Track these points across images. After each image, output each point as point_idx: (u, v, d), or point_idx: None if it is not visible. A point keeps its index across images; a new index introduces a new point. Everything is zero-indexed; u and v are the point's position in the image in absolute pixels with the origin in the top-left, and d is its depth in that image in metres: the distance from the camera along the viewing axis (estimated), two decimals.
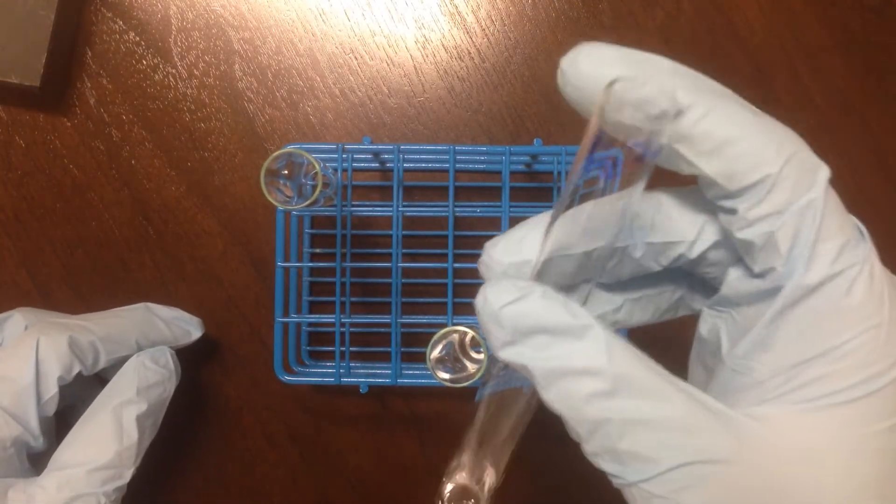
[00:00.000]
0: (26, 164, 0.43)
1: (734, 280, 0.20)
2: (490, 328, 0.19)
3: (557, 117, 0.42)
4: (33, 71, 0.40)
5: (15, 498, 0.32)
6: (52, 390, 0.34)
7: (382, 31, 0.42)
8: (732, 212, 0.19)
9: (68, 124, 0.43)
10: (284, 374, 0.39)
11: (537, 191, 0.43)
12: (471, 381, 0.32)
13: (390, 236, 0.42)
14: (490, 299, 0.18)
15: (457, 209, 0.37)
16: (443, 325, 0.33)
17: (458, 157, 0.41)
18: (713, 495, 0.17)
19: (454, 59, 0.42)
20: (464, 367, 0.33)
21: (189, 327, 0.40)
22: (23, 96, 0.42)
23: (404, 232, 0.42)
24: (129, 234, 0.43)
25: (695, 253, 0.21)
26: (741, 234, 0.19)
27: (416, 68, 0.42)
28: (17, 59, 0.40)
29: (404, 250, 0.42)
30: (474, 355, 0.34)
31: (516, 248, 0.21)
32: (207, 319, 0.42)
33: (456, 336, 0.33)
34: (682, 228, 0.21)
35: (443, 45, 0.42)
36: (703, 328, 0.22)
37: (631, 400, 0.17)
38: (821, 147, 0.19)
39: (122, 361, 0.37)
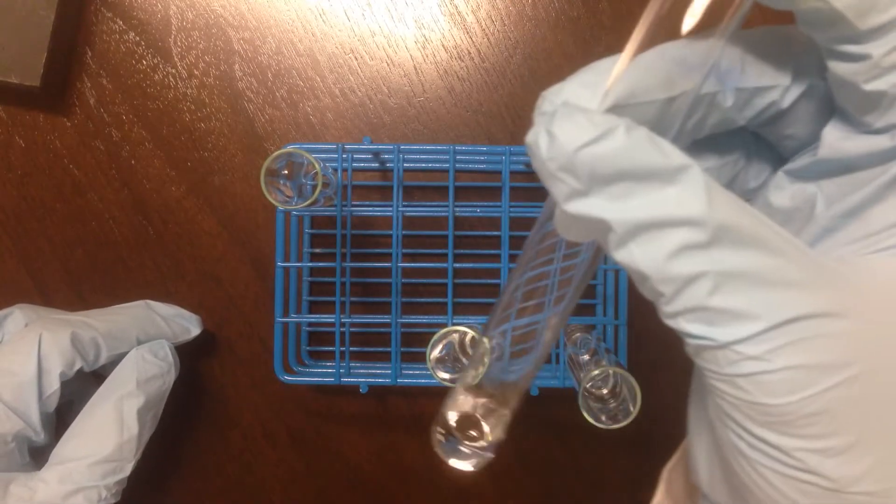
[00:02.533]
0: (26, 164, 0.43)
1: (836, 140, 0.18)
2: (556, 176, 0.15)
3: None
4: (33, 71, 0.40)
5: (17, 492, 0.32)
6: (53, 386, 0.34)
7: (382, 31, 0.42)
8: (860, 58, 0.16)
9: (68, 124, 0.43)
10: (284, 374, 0.39)
11: (537, 191, 0.43)
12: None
13: (390, 236, 0.42)
14: (560, 139, 0.15)
15: (457, 209, 0.37)
16: (443, 325, 0.33)
17: (458, 157, 0.41)
18: (818, 352, 0.15)
19: (454, 59, 0.42)
20: (464, 367, 0.33)
21: (188, 324, 0.40)
22: (23, 96, 0.42)
23: (404, 232, 0.42)
24: (129, 234, 0.43)
25: (787, 101, 0.18)
26: (870, 85, 0.16)
27: (416, 68, 0.42)
28: (17, 59, 0.40)
29: (404, 250, 0.42)
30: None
31: (588, 95, 0.17)
32: (207, 319, 0.42)
33: (456, 336, 0.33)
34: (775, 72, 0.18)
35: (443, 45, 0.42)
36: (778, 197, 0.20)
37: (733, 251, 0.14)
38: None
39: (121, 358, 0.37)
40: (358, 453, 0.43)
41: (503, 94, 0.42)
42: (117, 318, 0.38)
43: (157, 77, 0.43)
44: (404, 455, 0.43)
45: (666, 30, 0.16)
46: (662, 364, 0.42)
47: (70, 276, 0.43)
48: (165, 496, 0.44)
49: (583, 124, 0.15)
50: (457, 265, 0.37)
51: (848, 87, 0.17)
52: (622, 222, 0.15)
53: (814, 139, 0.19)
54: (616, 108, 0.16)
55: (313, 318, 0.41)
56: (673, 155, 0.14)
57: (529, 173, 0.43)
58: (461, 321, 0.37)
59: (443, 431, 0.18)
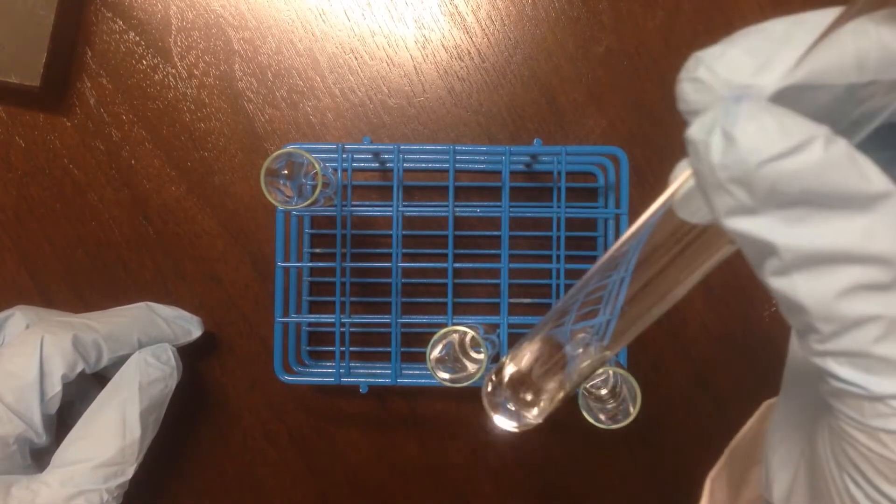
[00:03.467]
0: (26, 164, 0.43)
1: None
2: (724, 187, 0.13)
3: (557, 117, 0.42)
4: (33, 71, 0.40)
5: (18, 494, 0.32)
6: (55, 388, 0.34)
7: (382, 31, 0.42)
8: None
9: (68, 124, 0.43)
10: (284, 374, 0.39)
11: (537, 191, 0.43)
12: (471, 381, 0.32)
13: (390, 236, 0.42)
14: (743, 146, 0.12)
15: (457, 209, 0.37)
16: (443, 325, 0.33)
17: (458, 157, 0.41)
18: None
19: (454, 59, 0.42)
20: (464, 367, 0.33)
21: (189, 326, 0.41)
22: (23, 96, 0.42)
23: (404, 232, 0.42)
24: (129, 234, 0.43)
25: None
26: None
27: (416, 68, 0.42)
28: (17, 59, 0.40)
29: (404, 250, 0.42)
30: (474, 355, 0.34)
31: (755, 66, 0.13)
32: (207, 319, 0.42)
33: (456, 336, 0.33)
34: None
35: (443, 45, 0.42)
36: None
37: None
38: None
39: (123, 360, 0.37)
40: (358, 453, 0.44)
41: (503, 94, 0.42)
42: (118, 319, 0.38)
43: (157, 77, 0.43)
44: (404, 455, 0.43)
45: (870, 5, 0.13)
46: (662, 364, 0.42)
47: (70, 276, 0.43)
48: (165, 496, 0.44)
49: (772, 131, 0.12)
50: (457, 265, 0.37)
51: None
52: (793, 250, 0.12)
53: None
54: (794, 90, 0.13)
55: (313, 318, 0.41)
56: (874, 179, 0.12)
57: (529, 173, 0.43)
58: (461, 321, 0.37)
59: (495, 381, 0.17)
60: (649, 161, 0.42)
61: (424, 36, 0.42)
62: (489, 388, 0.17)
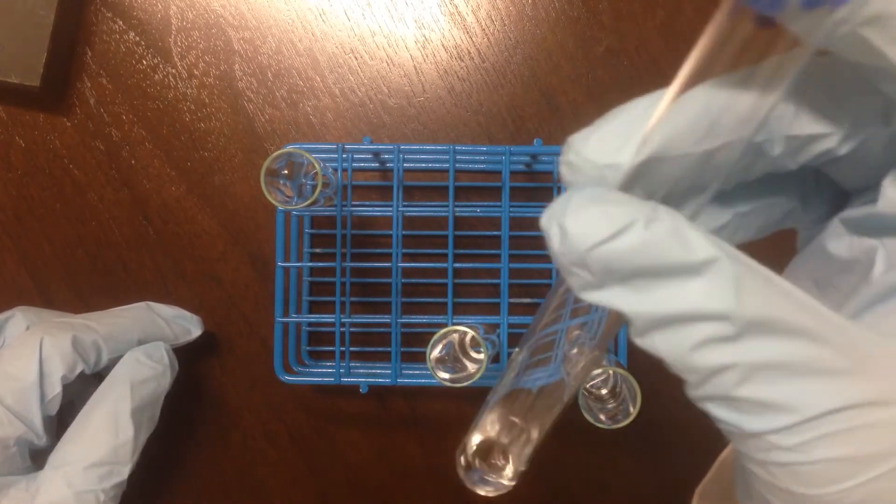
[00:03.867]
0: (26, 164, 0.43)
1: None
2: (569, 269, 0.14)
3: (557, 117, 0.42)
4: (33, 71, 0.40)
5: (16, 496, 0.32)
6: (55, 389, 0.34)
7: (382, 31, 0.42)
8: None
9: (68, 124, 0.43)
10: (284, 374, 0.39)
11: (537, 191, 0.43)
12: (471, 381, 0.32)
13: (390, 236, 0.42)
14: (572, 235, 0.14)
15: (457, 209, 0.37)
16: (443, 325, 0.33)
17: (458, 157, 0.41)
18: (861, 442, 0.14)
19: (454, 59, 0.42)
20: (464, 367, 0.33)
21: (189, 325, 0.41)
22: (23, 96, 0.42)
23: (404, 232, 0.42)
24: (129, 234, 0.43)
25: (845, 149, 0.16)
26: None
27: (416, 68, 0.42)
28: (17, 59, 0.40)
29: (404, 250, 0.42)
30: (474, 355, 0.34)
31: (617, 145, 0.15)
32: (207, 319, 0.42)
33: (456, 336, 0.33)
34: (832, 118, 0.16)
35: (443, 45, 0.42)
36: (835, 245, 0.18)
37: (764, 342, 0.13)
38: None
39: None
40: (358, 453, 0.43)
41: (503, 94, 0.42)
42: (118, 320, 0.38)
43: (157, 77, 0.43)
44: (404, 455, 0.43)
45: (715, 71, 0.14)
46: (662, 364, 0.42)
47: (70, 276, 0.43)
48: (165, 496, 0.44)
49: (596, 220, 0.14)
50: (457, 265, 0.37)
51: None
52: (642, 316, 0.14)
53: (877, 180, 0.17)
54: (650, 162, 0.15)
55: (313, 318, 0.41)
56: (698, 248, 0.13)
57: (529, 173, 0.43)
58: (461, 321, 0.37)
59: (465, 456, 0.18)
60: None
61: (424, 36, 0.42)
62: (462, 462, 0.18)
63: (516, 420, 0.17)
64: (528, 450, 0.18)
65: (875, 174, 0.17)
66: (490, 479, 0.17)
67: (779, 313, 0.14)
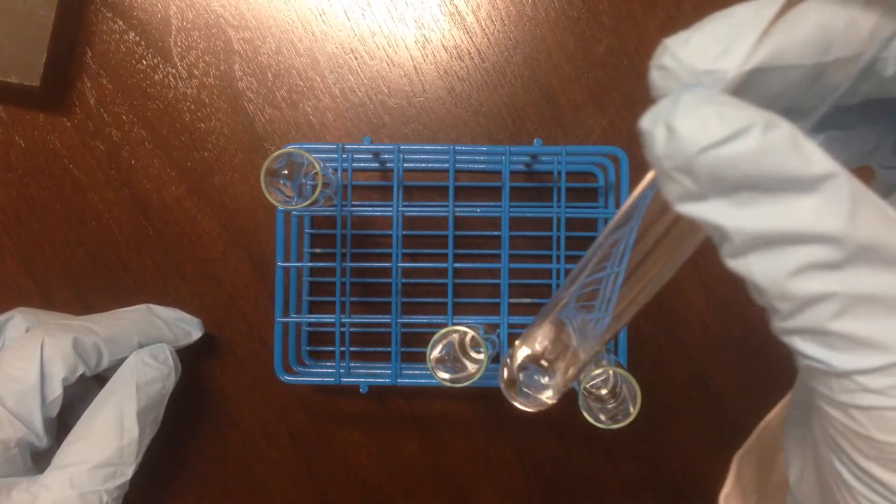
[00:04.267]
0: (26, 164, 0.43)
1: None
2: (670, 175, 0.13)
3: (557, 117, 0.42)
4: (33, 71, 0.40)
5: (18, 497, 0.32)
6: (56, 391, 0.34)
7: (382, 31, 0.42)
8: None
9: (68, 124, 0.43)
10: (284, 374, 0.39)
11: (537, 191, 0.43)
12: (471, 381, 0.32)
13: (390, 236, 0.42)
14: (682, 136, 0.13)
15: (457, 209, 0.37)
16: (443, 325, 0.33)
17: (458, 157, 0.41)
18: None
19: (454, 59, 0.42)
20: (464, 367, 0.33)
21: (189, 328, 0.41)
22: (23, 96, 0.42)
23: (404, 232, 0.42)
24: (129, 234, 0.43)
25: None
26: None
27: (416, 68, 0.42)
28: (17, 59, 0.40)
29: (404, 250, 0.42)
30: (474, 355, 0.34)
31: (720, 50, 0.14)
32: (207, 319, 0.42)
33: (456, 336, 0.33)
34: None
35: (443, 45, 0.42)
36: None
37: (872, 272, 0.13)
38: None
39: (123, 362, 0.37)
40: (358, 453, 0.43)
41: (503, 94, 0.42)
42: (119, 322, 0.38)
43: (157, 77, 0.43)
44: (404, 455, 0.43)
45: None
46: (662, 364, 0.42)
47: (70, 276, 0.43)
48: (165, 496, 0.44)
49: (710, 120, 0.13)
50: (457, 265, 0.37)
51: None
52: (743, 232, 0.13)
53: None
54: (756, 72, 0.14)
55: (313, 318, 0.41)
56: (817, 161, 0.12)
57: (529, 173, 0.43)
58: (461, 321, 0.37)
59: (510, 364, 0.17)
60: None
61: (424, 36, 0.42)
62: (505, 375, 0.17)
63: (567, 340, 0.17)
64: (573, 371, 0.17)
65: None
66: (533, 391, 0.17)
67: (889, 240, 0.12)
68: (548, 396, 0.17)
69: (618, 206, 0.39)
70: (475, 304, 0.43)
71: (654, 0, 0.42)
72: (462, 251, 0.42)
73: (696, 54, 0.14)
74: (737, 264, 0.13)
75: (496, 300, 0.39)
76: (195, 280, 0.43)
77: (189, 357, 0.42)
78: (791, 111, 0.14)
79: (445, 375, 0.33)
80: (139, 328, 0.38)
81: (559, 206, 0.37)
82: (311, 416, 0.43)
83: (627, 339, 0.38)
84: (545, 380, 0.17)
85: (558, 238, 0.38)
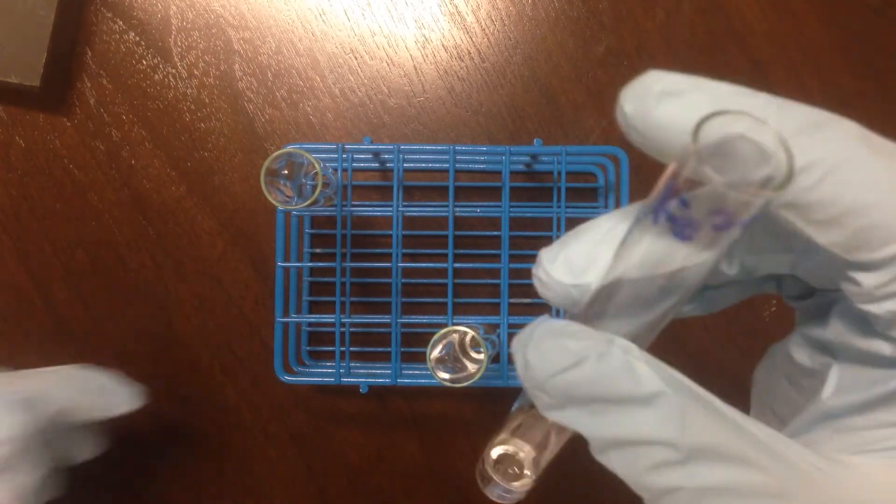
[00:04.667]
0: (26, 164, 0.43)
1: (842, 333, 0.18)
2: (532, 394, 0.16)
3: (557, 117, 0.42)
4: (33, 71, 0.40)
5: None
6: None
7: (382, 31, 0.42)
8: (852, 281, 0.16)
9: (68, 124, 0.43)
10: (284, 374, 0.39)
11: (537, 191, 0.43)
12: (471, 381, 0.32)
13: (390, 236, 0.42)
14: (533, 365, 0.16)
15: (457, 209, 0.37)
16: (443, 325, 0.33)
17: (458, 157, 0.41)
18: None
19: (454, 59, 0.42)
20: (464, 367, 0.33)
21: (123, 398, 0.35)
22: (23, 96, 0.42)
23: (404, 232, 0.42)
24: (129, 234, 0.43)
25: (795, 271, 0.18)
26: (864, 307, 0.16)
27: (416, 68, 0.42)
28: (17, 59, 0.40)
29: (404, 250, 0.42)
30: (474, 355, 0.34)
31: (582, 266, 0.17)
32: (207, 319, 0.42)
33: (456, 336, 0.33)
34: (780, 248, 0.17)
35: (443, 45, 0.42)
36: (798, 354, 0.20)
37: (708, 468, 0.15)
38: None
39: (43, 431, 0.32)
40: (358, 453, 0.43)
41: (503, 94, 0.42)
42: (41, 382, 0.33)
43: (157, 77, 0.43)
44: (404, 455, 0.43)
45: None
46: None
47: (70, 276, 0.43)
48: (165, 496, 0.44)
49: (553, 353, 0.16)
50: (457, 265, 0.37)
51: (849, 301, 0.17)
52: (598, 438, 0.16)
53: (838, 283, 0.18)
54: (614, 282, 0.16)
55: (313, 318, 0.41)
56: (647, 382, 0.15)
57: (529, 173, 0.43)
58: (461, 321, 0.37)
59: (483, 473, 0.19)
60: (649, 161, 0.42)
61: (424, 36, 0.42)
62: (480, 478, 0.19)
63: (531, 436, 0.19)
64: (542, 461, 0.19)
65: (831, 282, 0.18)
66: (507, 489, 0.19)
67: (720, 441, 0.15)
68: (523, 487, 0.19)
69: (618, 205, 0.39)
70: (475, 304, 0.43)
71: (654, 0, 0.42)
72: (462, 251, 0.42)
73: (562, 271, 0.17)
74: (601, 459, 0.16)
75: (496, 300, 0.39)
76: (195, 280, 0.43)
77: (189, 357, 0.43)
78: (662, 293, 0.16)
79: (445, 375, 0.33)
80: (65, 391, 0.33)
81: (559, 206, 0.37)
82: (311, 416, 0.43)
83: None
84: (518, 472, 0.19)
85: (558, 238, 0.38)
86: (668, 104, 0.15)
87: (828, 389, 0.18)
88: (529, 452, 0.19)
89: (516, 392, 0.22)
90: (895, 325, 0.16)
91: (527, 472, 0.19)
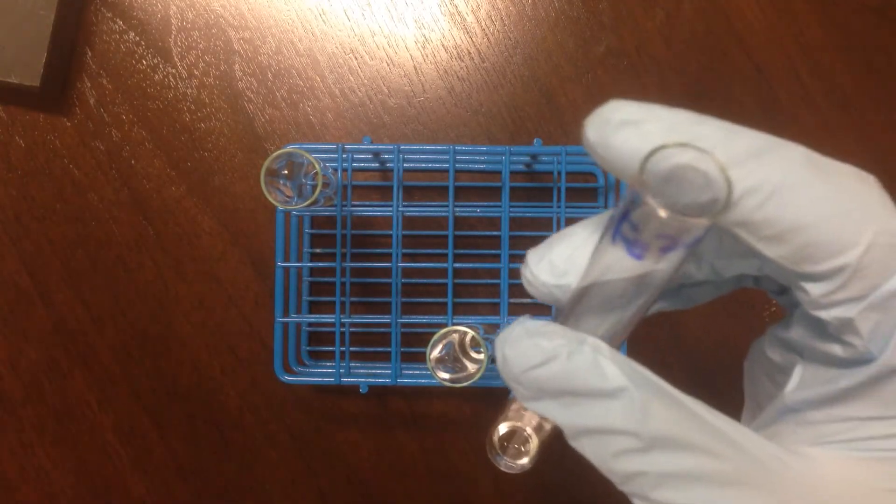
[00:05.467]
0: (26, 164, 0.43)
1: (803, 335, 0.19)
2: (511, 386, 0.18)
3: (557, 117, 0.42)
4: (33, 71, 0.40)
5: None
6: None
7: (382, 31, 0.42)
8: (802, 290, 0.17)
9: (68, 124, 0.43)
10: (284, 374, 0.39)
11: (537, 191, 0.43)
12: (471, 381, 0.32)
13: (390, 236, 0.42)
14: (509, 361, 0.18)
15: (457, 209, 0.37)
16: (443, 325, 0.33)
17: (458, 157, 0.41)
18: None
19: (454, 59, 0.42)
20: (464, 367, 0.33)
21: None
22: (23, 96, 0.42)
23: (404, 232, 0.42)
24: (129, 234, 0.43)
25: (762, 273, 0.19)
26: (813, 313, 0.17)
27: (416, 68, 0.42)
28: (17, 59, 0.40)
29: (404, 250, 0.42)
30: (474, 355, 0.34)
31: (563, 268, 0.19)
32: (207, 319, 0.42)
33: (456, 336, 0.33)
34: (744, 264, 0.19)
35: (443, 45, 0.42)
36: (770, 351, 0.21)
37: (667, 456, 0.16)
38: (821, 147, 0.19)
39: None
40: (358, 453, 0.43)
41: (503, 94, 0.42)
42: None
43: (157, 77, 0.43)
44: (404, 455, 0.43)
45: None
46: (663, 365, 0.42)
47: (70, 276, 0.43)
48: (165, 497, 0.44)
49: (528, 350, 0.17)
50: (457, 265, 0.37)
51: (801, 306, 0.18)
52: (571, 426, 0.17)
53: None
54: (589, 286, 0.18)
55: (313, 318, 0.41)
56: (612, 378, 0.17)
57: (529, 173, 0.43)
58: (461, 321, 0.37)
59: (493, 446, 0.21)
60: None
61: (424, 36, 0.42)
62: (489, 450, 0.21)
63: (532, 413, 0.20)
64: (544, 437, 0.21)
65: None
66: (513, 461, 0.21)
67: (679, 432, 0.16)
68: (526, 461, 0.21)
69: (618, 205, 0.39)
70: (475, 304, 0.43)
71: (653, 0, 0.42)
72: (462, 251, 0.42)
73: (546, 272, 0.19)
74: (574, 444, 0.18)
75: (496, 300, 0.39)
76: (195, 280, 0.43)
77: (189, 357, 0.42)
78: (638, 290, 0.18)
79: (445, 375, 0.33)
80: None
81: (559, 206, 0.37)
82: (311, 416, 0.43)
83: (627, 341, 0.38)
84: (524, 447, 0.21)
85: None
86: (625, 133, 0.16)
87: (790, 385, 0.19)
88: (531, 431, 0.20)
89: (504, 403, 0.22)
90: (843, 330, 0.17)
91: (529, 447, 0.20)
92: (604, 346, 0.17)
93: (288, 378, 0.39)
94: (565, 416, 0.17)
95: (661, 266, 0.17)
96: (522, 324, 0.18)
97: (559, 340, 0.17)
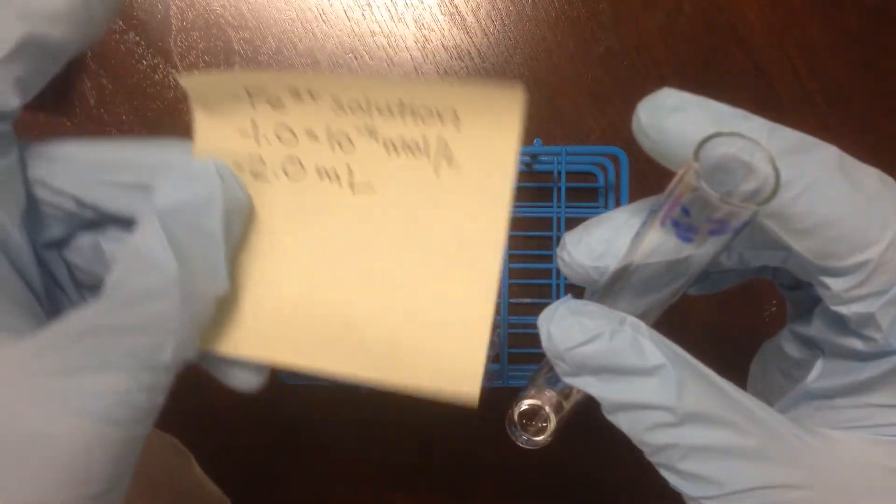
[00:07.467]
0: None
1: (823, 331, 0.20)
2: (553, 360, 0.19)
3: (557, 117, 0.42)
4: None
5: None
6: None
7: (382, 31, 0.42)
8: (824, 285, 0.18)
9: (68, 124, 0.43)
10: (284, 374, 0.39)
11: (537, 191, 0.43)
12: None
13: None
14: (555, 338, 0.18)
15: None
16: None
17: None
18: None
19: (454, 59, 0.42)
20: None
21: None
22: None
23: None
24: None
25: (784, 265, 0.20)
26: (835, 308, 0.18)
27: (416, 68, 0.42)
28: None
29: None
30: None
31: (601, 251, 0.20)
32: None
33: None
34: (772, 245, 0.19)
35: (443, 45, 0.42)
36: (789, 347, 0.22)
37: (699, 430, 0.17)
38: None
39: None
40: (357, 453, 0.43)
41: None
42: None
43: (157, 77, 0.43)
44: (404, 455, 0.43)
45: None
46: None
47: None
48: None
49: (573, 329, 0.18)
50: None
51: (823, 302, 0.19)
52: (608, 400, 0.18)
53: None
54: (628, 267, 0.19)
55: None
56: (651, 356, 0.18)
57: (530, 173, 0.43)
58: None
59: (512, 423, 0.22)
60: (649, 161, 0.42)
61: (424, 36, 0.42)
62: (509, 427, 0.22)
63: (552, 393, 0.21)
64: (562, 416, 0.22)
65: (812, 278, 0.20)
66: (533, 437, 0.22)
67: (711, 409, 0.17)
68: (544, 437, 0.22)
69: (618, 205, 0.39)
70: None
71: (653, 0, 0.42)
72: None
73: (584, 254, 0.20)
74: (611, 418, 0.19)
75: (496, 300, 0.39)
76: None
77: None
78: (671, 275, 0.19)
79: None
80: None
81: (559, 206, 0.37)
82: (310, 416, 0.43)
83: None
84: (542, 424, 0.22)
85: (558, 238, 0.38)
86: (678, 118, 0.17)
87: (812, 376, 0.20)
88: (550, 409, 0.21)
89: (516, 392, 0.22)
90: (864, 325, 0.18)
91: (548, 424, 0.22)
92: (642, 326, 0.18)
93: (288, 378, 0.39)
94: (604, 390, 0.18)
95: (703, 250, 0.17)
96: (566, 302, 0.19)
97: (601, 320, 0.18)
